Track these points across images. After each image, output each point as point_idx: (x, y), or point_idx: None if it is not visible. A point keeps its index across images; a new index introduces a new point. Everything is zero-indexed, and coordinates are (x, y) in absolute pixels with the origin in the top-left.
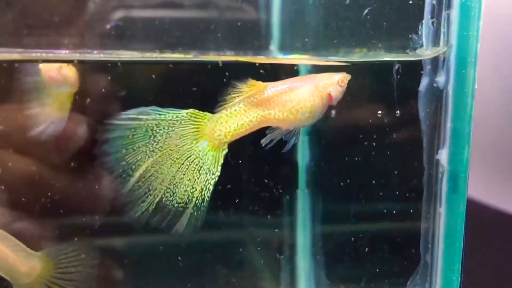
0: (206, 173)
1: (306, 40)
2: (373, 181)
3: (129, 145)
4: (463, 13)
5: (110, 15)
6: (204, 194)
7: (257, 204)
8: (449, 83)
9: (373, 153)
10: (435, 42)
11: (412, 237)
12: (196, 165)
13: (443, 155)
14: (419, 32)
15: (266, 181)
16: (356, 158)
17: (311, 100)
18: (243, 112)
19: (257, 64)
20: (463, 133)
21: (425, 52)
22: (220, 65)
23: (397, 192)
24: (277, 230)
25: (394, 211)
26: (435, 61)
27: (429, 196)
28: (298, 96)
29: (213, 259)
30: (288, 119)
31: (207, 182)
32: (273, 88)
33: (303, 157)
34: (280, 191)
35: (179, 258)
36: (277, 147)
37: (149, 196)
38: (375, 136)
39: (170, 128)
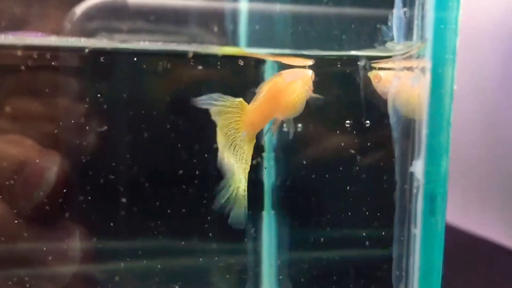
0: (246, 163)
1: (274, 48)
2: (340, 198)
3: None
4: (439, 2)
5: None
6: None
7: (219, 226)
8: (424, 84)
9: (340, 167)
10: (408, 35)
11: (383, 263)
12: (241, 154)
13: (418, 167)
14: (389, 23)
15: None
16: (322, 173)
17: (303, 91)
18: (267, 102)
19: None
20: (441, 142)
21: (396, 47)
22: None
23: (366, 211)
24: (240, 254)
25: (364, 233)
26: (407, 57)
27: (402, 215)
28: (297, 88)
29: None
30: (290, 109)
31: (245, 172)
32: (281, 79)
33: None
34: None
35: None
36: None
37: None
38: (341, 147)
39: (227, 115)
